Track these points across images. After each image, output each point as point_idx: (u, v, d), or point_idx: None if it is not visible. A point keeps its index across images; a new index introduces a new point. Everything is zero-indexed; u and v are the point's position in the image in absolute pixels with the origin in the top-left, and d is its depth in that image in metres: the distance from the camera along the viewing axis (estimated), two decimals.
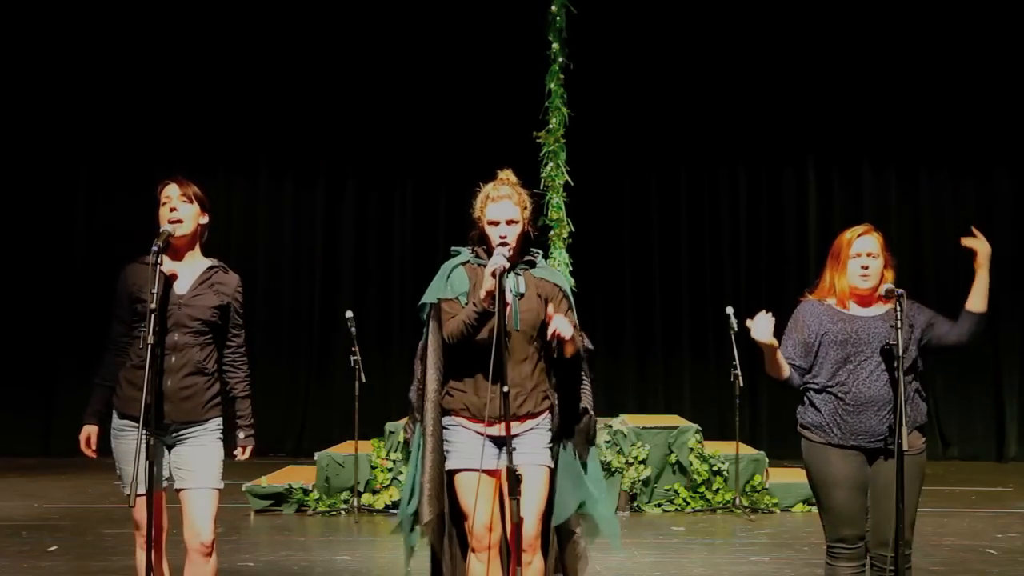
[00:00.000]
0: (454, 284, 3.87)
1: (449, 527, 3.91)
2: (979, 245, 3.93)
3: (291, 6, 11.84)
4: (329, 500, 8.10)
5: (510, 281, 3.81)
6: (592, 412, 3.98)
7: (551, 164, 8.93)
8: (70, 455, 11.23)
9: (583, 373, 3.98)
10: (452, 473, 3.81)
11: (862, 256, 3.93)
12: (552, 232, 8.84)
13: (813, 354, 3.94)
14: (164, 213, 3.95)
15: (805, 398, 3.99)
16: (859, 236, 3.96)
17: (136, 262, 3.97)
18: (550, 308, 3.84)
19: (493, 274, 3.61)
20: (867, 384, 3.83)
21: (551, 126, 8.94)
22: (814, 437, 3.93)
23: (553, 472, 3.87)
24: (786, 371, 3.97)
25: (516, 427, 3.76)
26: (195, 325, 3.90)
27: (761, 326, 3.80)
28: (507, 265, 3.65)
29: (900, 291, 3.81)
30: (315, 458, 8.38)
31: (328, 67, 12.02)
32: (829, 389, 3.89)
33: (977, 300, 3.93)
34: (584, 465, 3.94)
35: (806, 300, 4.07)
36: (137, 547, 3.94)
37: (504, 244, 3.80)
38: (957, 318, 3.97)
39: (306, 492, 8.12)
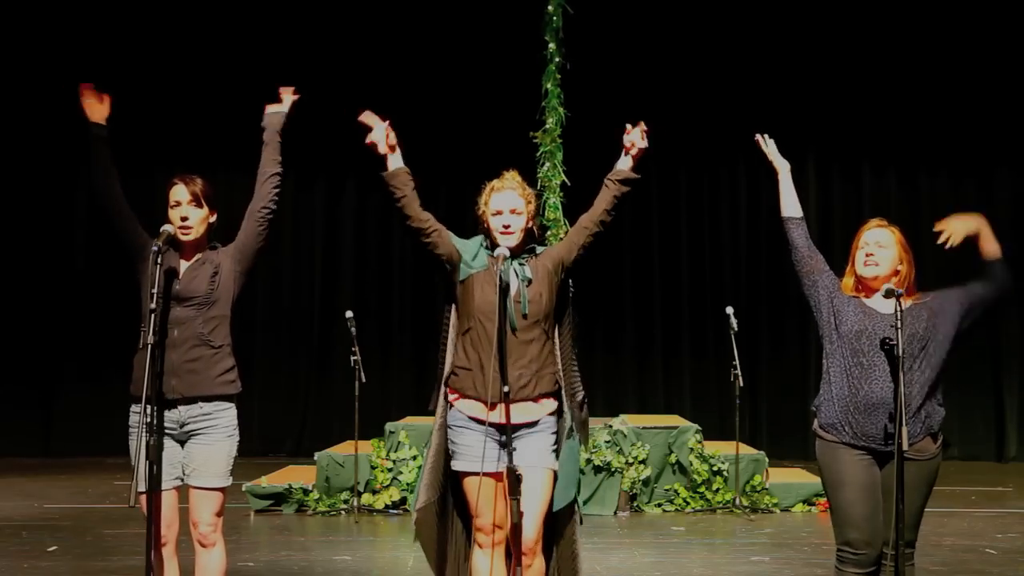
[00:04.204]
0: (475, 258, 3.87)
1: (454, 521, 3.92)
2: (954, 226, 4.00)
3: (291, 7, 11.84)
4: (329, 500, 8.09)
5: (516, 268, 3.81)
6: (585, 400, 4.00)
7: (548, 164, 8.93)
8: (70, 455, 11.40)
9: (572, 360, 3.96)
10: (460, 475, 3.81)
11: (869, 245, 4.00)
12: (549, 232, 8.84)
13: (824, 275, 4.07)
14: (174, 217, 3.96)
15: (820, 394, 3.99)
16: (869, 229, 4.05)
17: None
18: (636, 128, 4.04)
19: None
20: (879, 384, 3.84)
21: (548, 126, 8.93)
22: (828, 436, 3.94)
23: (556, 473, 3.84)
24: (787, 210, 4.29)
25: (520, 415, 3.74)
26: (194, 299, 3.91)
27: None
28: (507, 254, 3.70)
29: (900, 291, 3.83)
30: (315, 458, 8.38)
31: (327, 68, 11.98)
32: (841, 388, 3.90)
33: (988, 248, 4.01)
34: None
35: None
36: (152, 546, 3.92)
37: (507, 234, 3.82)
38: (975, 280, 4.03)
39: (306, 492, 8.12)
